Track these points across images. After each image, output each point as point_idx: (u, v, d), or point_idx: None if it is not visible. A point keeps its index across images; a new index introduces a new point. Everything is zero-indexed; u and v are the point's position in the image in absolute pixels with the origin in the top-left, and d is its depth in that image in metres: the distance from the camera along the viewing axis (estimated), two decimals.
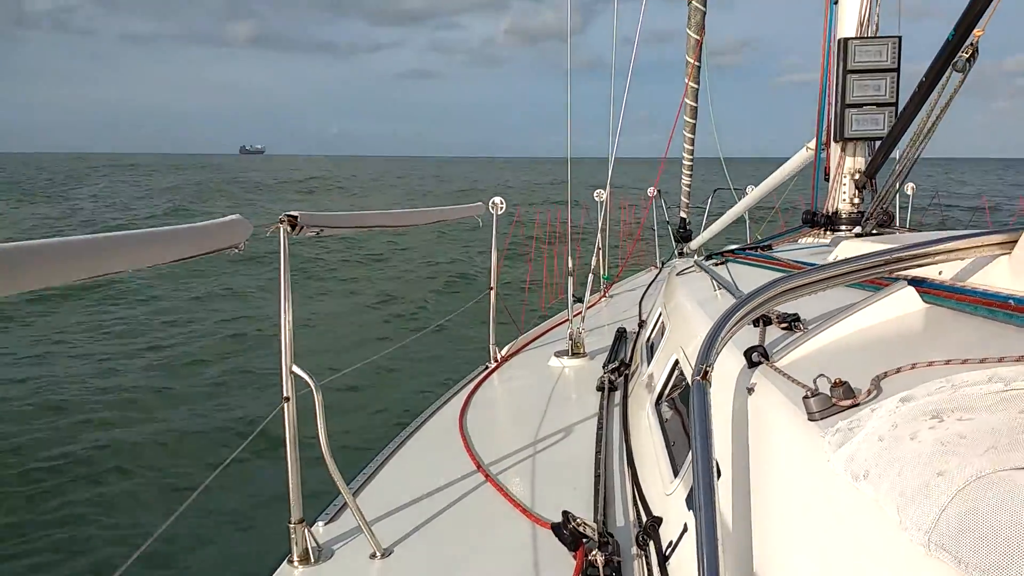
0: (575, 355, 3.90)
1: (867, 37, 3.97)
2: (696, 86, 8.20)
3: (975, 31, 2.69)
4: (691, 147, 8.85)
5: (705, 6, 7.74)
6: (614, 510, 2.30)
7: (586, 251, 7.89)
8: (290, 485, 2.05)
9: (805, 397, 1.19)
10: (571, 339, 3.87)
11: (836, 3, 4.20)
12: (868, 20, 4.03)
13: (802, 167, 4.93)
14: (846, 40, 3.94)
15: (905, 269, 1.79)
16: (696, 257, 5.09)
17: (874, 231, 3.88)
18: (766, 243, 4.52)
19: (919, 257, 1.71)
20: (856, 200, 4.10)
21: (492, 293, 4.18)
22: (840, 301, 1.79)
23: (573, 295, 3.91)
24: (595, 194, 6.74)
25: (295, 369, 1.95)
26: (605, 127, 5.51)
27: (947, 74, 2.85)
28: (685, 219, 9.15)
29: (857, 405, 1.14)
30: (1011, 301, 1.49)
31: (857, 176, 4.05)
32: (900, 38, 3.91)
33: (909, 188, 7.05)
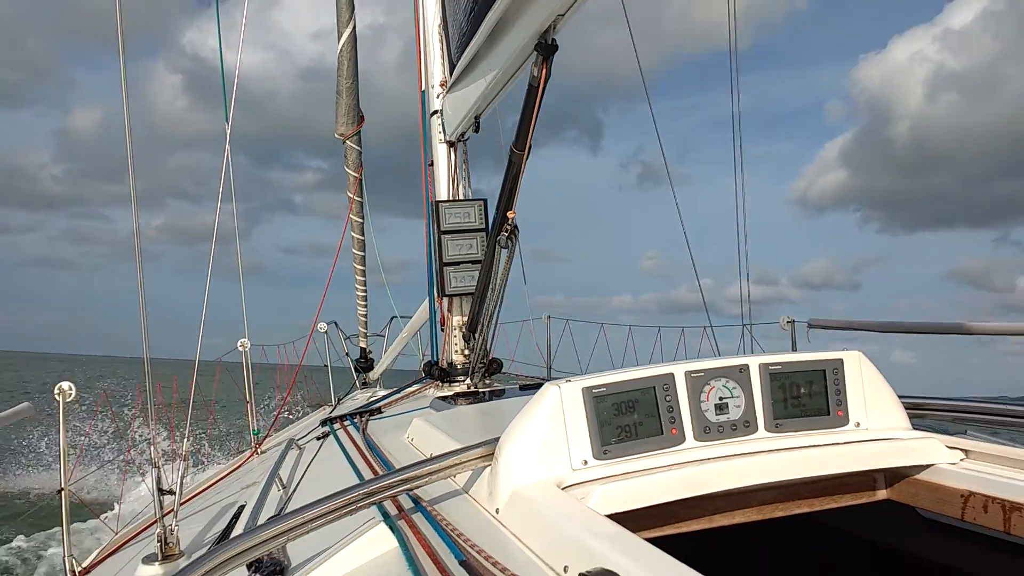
0: (167, 558, 3.35)
1: (456, 200, 4.20)
2: (360, 220, 8.30)
3: (508, 213, 2.91)
4: (363, 278, 8.85)
5: (360, 146, 7.98)
6: None
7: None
8: None
9: None
10: (159, 540, 3.32)
11: (431, 165, 4.43)
12: (457, 183, 4.29)
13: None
14: (438, 203, 4.13)
15: (401, 493, 1.68)
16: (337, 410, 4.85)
17: (485, 381, 4.02)
18: (388, 399, 4.45)
19: (408, 481, 1.61)
20: (466, 352, 4.21)
21: (63, 495, 3.50)
22: (343, 529, 1.63)
23: (158, 488, 3.40)
24: (239, 344, 6.28)
25: None
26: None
27: (498, 249, 3.05)
28: (364, 349, 8.98)
29: None
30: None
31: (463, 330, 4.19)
32: (486, 201, 4.20)
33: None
